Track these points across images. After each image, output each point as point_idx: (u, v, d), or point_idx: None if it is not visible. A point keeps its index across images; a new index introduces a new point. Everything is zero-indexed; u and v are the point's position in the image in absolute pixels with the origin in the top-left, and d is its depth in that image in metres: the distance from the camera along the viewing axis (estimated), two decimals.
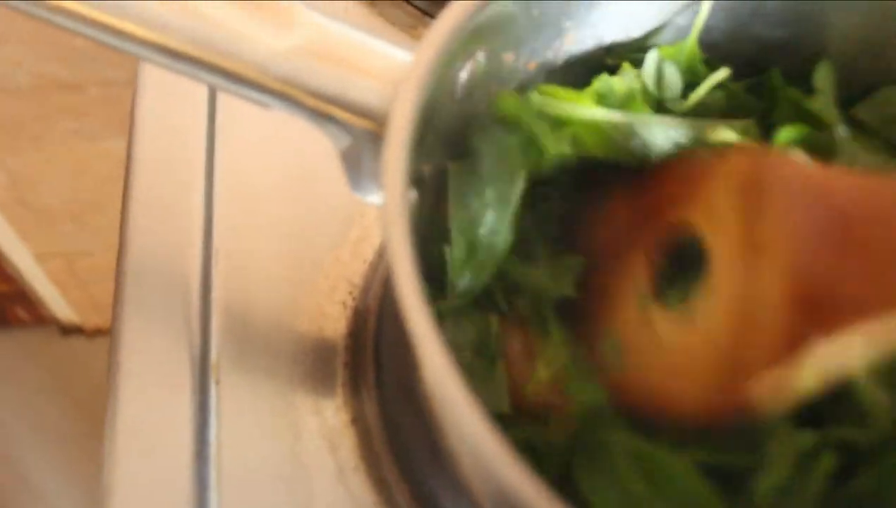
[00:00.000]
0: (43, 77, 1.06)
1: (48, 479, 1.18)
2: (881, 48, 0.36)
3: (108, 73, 1.02)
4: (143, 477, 0.36)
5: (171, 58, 0.31)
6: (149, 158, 0.45)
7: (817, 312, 0.26)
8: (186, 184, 0.44)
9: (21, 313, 1.23)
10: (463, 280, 0.31)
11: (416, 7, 0.54)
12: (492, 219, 0.31)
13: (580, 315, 0.32)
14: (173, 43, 0.30)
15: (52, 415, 1.21)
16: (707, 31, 0.37)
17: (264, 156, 0.46)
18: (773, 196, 0.28)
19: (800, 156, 0.30)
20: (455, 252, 0.31)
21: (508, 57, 0.34)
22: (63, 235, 1.18)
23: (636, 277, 0.32)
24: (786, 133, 0.33)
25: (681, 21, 0.37)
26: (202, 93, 0.48)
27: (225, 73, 0.30)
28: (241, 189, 0.44)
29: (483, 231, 0.31)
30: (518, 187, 0.31)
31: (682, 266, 0.31)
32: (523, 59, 0.36)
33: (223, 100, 0.47)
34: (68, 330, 1.25)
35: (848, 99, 0.36)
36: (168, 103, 0.47)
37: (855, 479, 0.28)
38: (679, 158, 0.32)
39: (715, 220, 0.30)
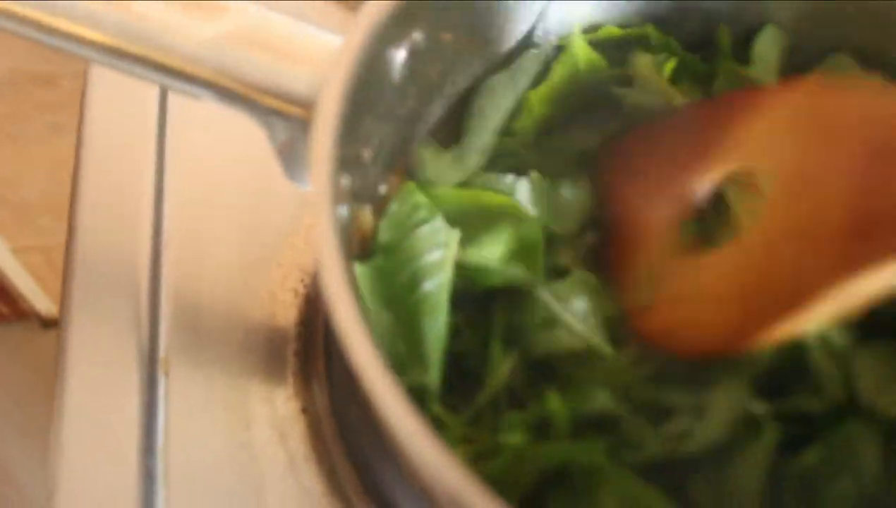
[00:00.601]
0: (17, 72, 1.05)
1: (30, 472, 1.18)
2: (829, 17, 0.36)
3: (80, 65, 1.01)
4: (90, 470, 0.36)
5: (103, 52, 0.30)
6: (99, 149, 0.45)
7: (872, 237, 0.26)
8: (137, 174, 0.44)
9: (1, 307, 1.22)
10: None
11: None
12: None
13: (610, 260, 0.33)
14: (104, 38, 0.30)
15: (34, 409, 1.21)
16: (655, 4, 0.37)
17: (216, 145, 0.45)
18: (826, 125, 0.28)
19: (846, 86, 0.30)
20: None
21: (446, 37, 0.33)
22: (42, 229, 1.17)
23: (674, 213, 0.32)
24: None
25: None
26: (153, 87, 0.48)
27: (154, 65, 0.30)
28: (192, 179, 0.44)
29: None
30: None
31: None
32: (464, 40, 0.35)
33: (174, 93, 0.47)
34: (48, 324, 1.25)
35: (799, 68, 0.36)
36: (119, 94, 0.47)
37: (804, 452, 0.28)
38: (714, 99, 0.32)
39: (769, 153, 0.30)
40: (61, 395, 0.38)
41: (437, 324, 0.29)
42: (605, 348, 0.30)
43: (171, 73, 0.30)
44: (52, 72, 1.03)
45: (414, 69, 0.33)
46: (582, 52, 0.35)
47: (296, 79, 0.29)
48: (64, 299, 0.40)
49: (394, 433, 0.24)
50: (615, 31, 0.37)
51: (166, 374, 0.39)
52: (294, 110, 0.29)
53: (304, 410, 0.38)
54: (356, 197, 0.31)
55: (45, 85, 1.05)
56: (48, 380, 1.16)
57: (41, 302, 1.22)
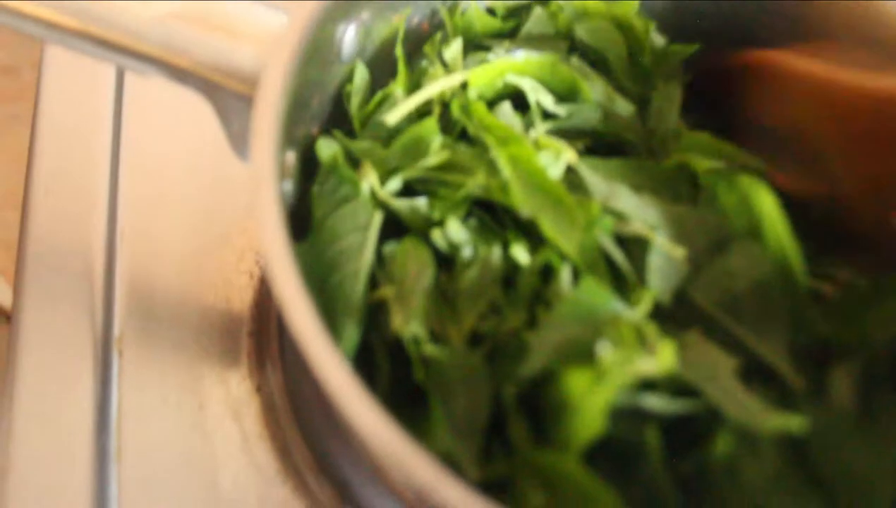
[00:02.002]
0: None
1: None
2: None
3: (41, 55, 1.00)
4: (43, 449, 0.36)
5: (51, 29, 0.30)
6: (53, 138, 0.45)
7: None
8: (91, 159, 0.44)
9: None
10: None
11: None
12: None
13: None
14: (52, 14, 0.30)
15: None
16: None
17: (170, 129, 0.45)
18: None
19: None
20: None
21: (393, 17, 0.34)
22: (4, 222, 1.16)
23: None
24: None
25: None
26: (109, 71, 0.48)
27: (102, 42, 0.30)
28: (146, 163, 0.44)
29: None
30: None
31: None
32: (415, 20, 0.36)
33: (130, 76, 0.47)
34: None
35: None
36: (74, 80, 0.47)
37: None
38: None
39: None
40: (13, 374, 0.38)
41: (350, 312, 0.29)
42: None
43: (119, 50, 0.30)
44: (12, 62, 1.02)
45: (361, 46, 0.33)
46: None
47: (242, 55, 0.29)
48: (17, 281, 0.40)
49: (341, 409, 0.24)
50: None
51: (120, 354, 0.39)
52: (240, 87, 0.30)
53: (259, 390, 0.39)
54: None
55: (5, 75, 1.04)
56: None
57: (5, 296, 1.21)
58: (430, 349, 0.28)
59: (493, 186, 0.31)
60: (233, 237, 0.42)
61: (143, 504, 0.36)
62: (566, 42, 0.36)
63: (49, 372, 0.38)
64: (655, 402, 0.26)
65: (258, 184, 0.25)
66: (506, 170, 0.30)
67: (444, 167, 0.32)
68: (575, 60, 0.35)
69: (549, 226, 0.29)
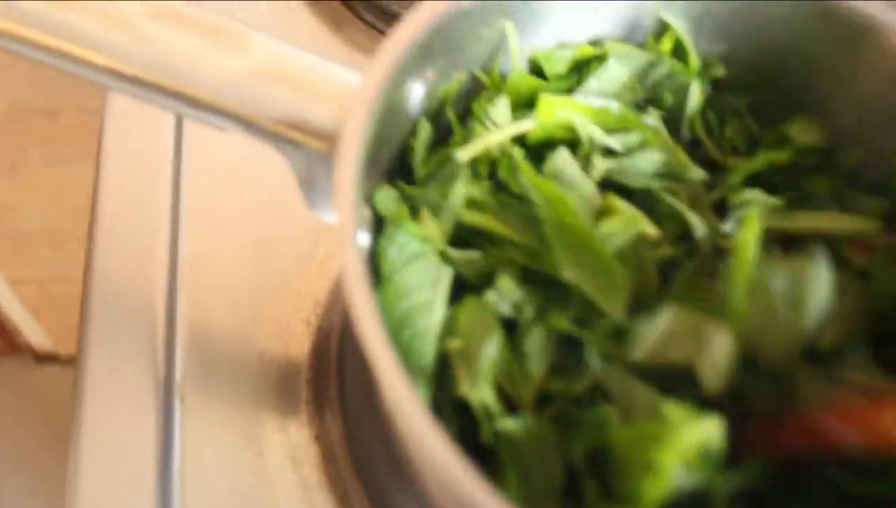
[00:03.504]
0: (16, 104, 1.06)
1: (21, 505, 1.17)
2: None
3: (81, 99, 1.03)
4: (107, 497, 0.37)
5: (130, 83, 0.31)
6: (116, 183, 0.46)
7: None
8: (153, 207, 0.45)
9: None
10: None
11: (379, 32, 0.55)
12: None
13: None
14: (131, 69, 0.31)
15: (27, 444, 1.20)
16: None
17: (231, 177, 0.46)
18: None
19: None
20: None
21: (458, 75, 0.35)
22: (38, 262, 1.17)
23: None
24: None
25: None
26: (169, 118, 0.49)
27: (181, 97, 0.31)
28: (207, 211, 0.45)
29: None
30: None
31: None
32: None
33: (190, 124, 0.48)
34: (42, 358, 1.25)
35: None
36: (135, 129, 0.48)
37: None
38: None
39: None
40: (79, 419, 0.38)
41: (420, 370, 0.29)
42: None
43: (197, 106, 0.31)
44: (53, 105, 1.04)
45: (425, 102, 0.34)
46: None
47: (318, 113, 0.30)
48: (81, 331, 0.41)
49: (431, 463, 0.24)
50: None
51: (182, 400, 0.39)
52: (316, 143, 0.30)
53: (317, 437, 0.39)
54: None
55: (46, 117, 1.06)
56: (40, 414, 1.16)
57: (36, 335, 1.22)
58: (502, 422, 0.28)
59: (533, 248, 0.31)
60: (291, 284, 0.43)
61: None
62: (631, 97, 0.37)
63: (113, 420, 0.39)
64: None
65: (343, 242, 0.26)
66: (549, 234, 0.31)
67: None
68: (651, 118, 0.35)
69: (594, 293, 0.30)
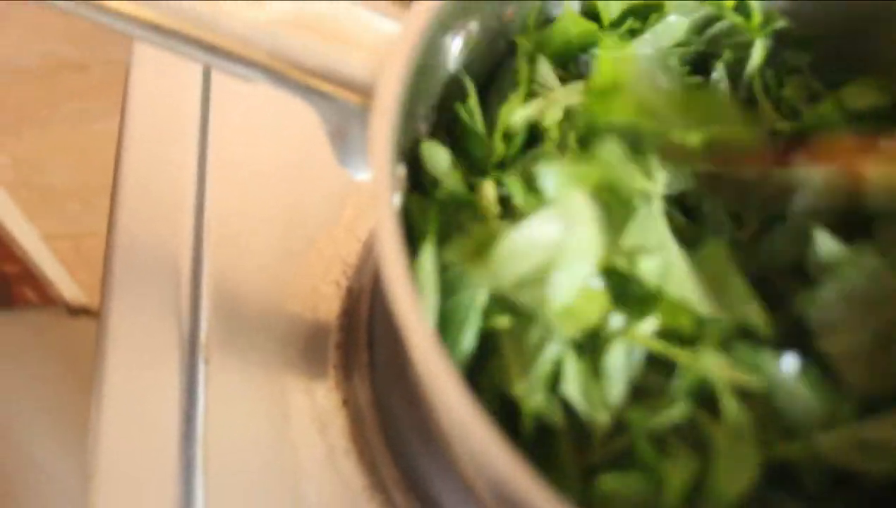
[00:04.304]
0: (48, 58, 1.05)
1: (56, 458, 1.18)
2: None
3: (111, 52, 1.02)
4: (130, 455, 0.36)
5: (157, 32, 0.30)
6: (141, 138, 0.45)
7: None
8: (179, 163, 0.44)
9: (29, 293, 1.23)
10: None
11: None
12: None
13: None
14: (159, 18, 0.29)
15: (60, 395, 1.22)
16: None
17: (258, 136, 0.45)
18: None
19: None
20: None
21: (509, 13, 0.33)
22: (70, 216, 1.18)
23: None
24: None
25: None
26: (196, 73, 0.47)
27: (207, 46, 0.29)
28: (233, 169, 0.44)
29: None
30: None
31: None
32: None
33: (217, 80, 0.47)
34: (76, 311, 1.26)
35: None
36: (162, 83, 0.47)
37: None
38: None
39: None
40: (101, 378, 0.38)
41: (459, 344, 0.27)
42: None
43: (226, 55, 0.29)
44: (84, 58, 1.03)
45: (467, 58, 0.32)
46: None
47: (352, 64, 0.29)
48: (104, 287, 0.40)
49: (451, 424, 0.23)
50: None
51: (207, 361, 0.38)
52: (349, 96, 0.29)
53: (345, 402, 0.38)
54: None
55: (77, 71, 1.05)
56: (74, 367, 1.17)
57: (69, 289, 1.23)
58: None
59: None
60: (320, 245, 0.42)
61: None
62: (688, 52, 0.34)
63: (136, 377, 0.38)
64: None
65: (378, 200, 0.24)
66: None
67: None
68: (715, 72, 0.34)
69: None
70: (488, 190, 0.29)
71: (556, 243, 0.26)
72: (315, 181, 0.43)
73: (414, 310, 0.23)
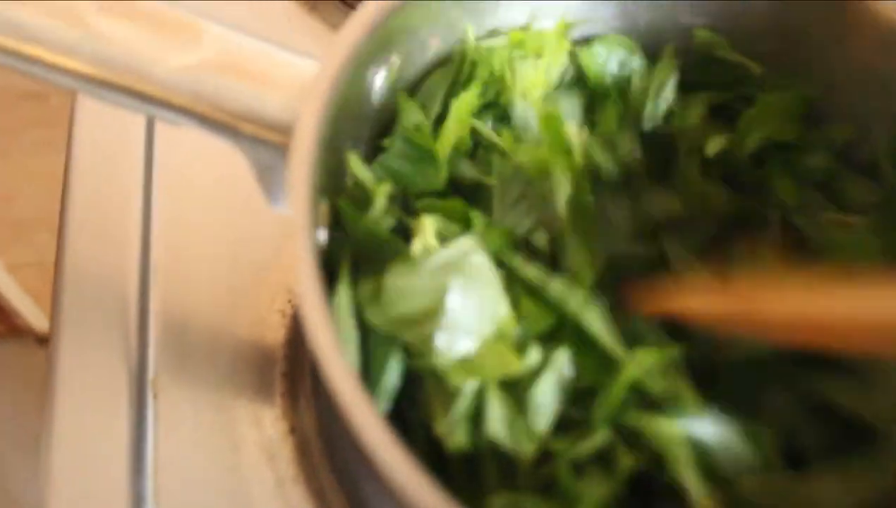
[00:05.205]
0: (6, 89, 1.05)
1: (28, 489, 1.18)
2: None
3: None
4: (80, 491, 0.36)
5: (80, 80, 0.30)
6: (87, 173, 0.45)
7: None
8: (124, 196, 0.44)
9: None
10: None
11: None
12: None
13: None
14: (80, 66, 0.30)
15: (29, 424, 1.21)
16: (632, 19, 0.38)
17: (204, 165, 0.45)
18: None
19: None
20: None
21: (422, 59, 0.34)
22: (36, 245, 1.17)
23: None
24: None
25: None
26: None
27: (131, 93, 0.30)
28: (180, 199, 0.44)
29: None
30: None
31: None
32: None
33: None
34: (44, 341, 1.25)
35: None
36: (106, 116, 0.47)
37: None
38: None
39: None
40: (51, 415, 0.38)
41: (383, 382, 0.27)
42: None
43: (149, 100, 0.30)
44: (41, 88, 1.03)
45: (392, 89, 0.33)
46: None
47: (272, 104, 0.29)
48: (53, 318, 0.40)
49: (373, 459, 0.24)
50: None
51: (156, 396, 0.39)
52: (272, 136, 0.29)
53: (293, 430, 0.38)
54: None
55: (35, 101, 1.05)
56: (43, 396, 1.15)
57: (37, 318, 1.22)
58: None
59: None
60: (265, 275, 0.42)
61: None
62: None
63: (85, 413, 0.38)
64: None
65: (295, 237, 0.25)
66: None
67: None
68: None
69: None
70: (427, 224, 0.30)
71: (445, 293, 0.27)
72: (260, 211, 0.44)
73: (332, 352, 0.24)
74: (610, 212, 0.32)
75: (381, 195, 0.30)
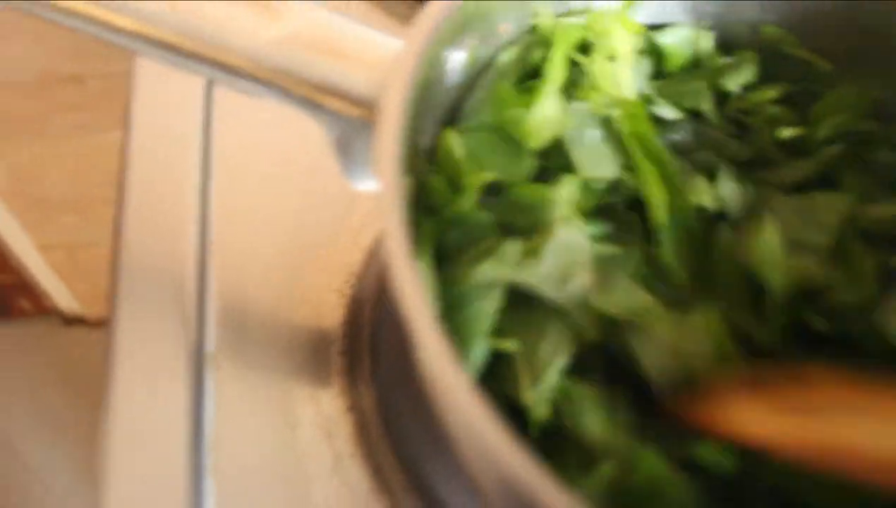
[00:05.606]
0: (45, 71, 1.06)
1: (52, 467, 1.19)
2: None
3: (108, 66, 1.02)
4: (139, 465, 0.37)
5: (166, 50, 0.31)
6: (145, 150, 0.45)
7: None
8: (182, 174, 0.45)
9: (24, 304, 1.23)
10: None
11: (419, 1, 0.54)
12: None
13: None
14: (167, 36, 0.30)
15: (55, 405, 1.22)
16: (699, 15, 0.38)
17: (262, 145, 0.46)
18: None
19: None
20: None
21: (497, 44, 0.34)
22: (65, 227, 1.18)
23: None
24: None
25: None
26: (199, 84, 0.48)
27: (217, 64, 0.30)
28: (237, 179, 0.45)
29: None
30: None
31: None
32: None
33: (220, 92, 0.48)
34: (71, 321, 1.26)
35: None
36: (164, 95, 0.47)
37: None
38: None
39: None
40: (109, 389, 0.38)
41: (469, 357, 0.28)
42: None
43: (234, 72, 0.30)
44: (81, 71, 1.04)
45: (471, 70, 0.33)
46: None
47: (358, 80, 0.29)
48: (112, 300, 0.41)
49: (459, 426, 0.24)
50: None
51: (215, 369, 0.39)
52: (356, 111, 0.30)
53: (350, 409, 0.39)
54: None
55: (72, 84, 1.06)
56: (69, 376, 1.18)
57: (64, 299, 1.23)
58: None
59: None
60: (323, 254, 0.43)
61: None
62: None
63: (145, 387, 0.39)
64: None
65: (386, 212, 0.25)
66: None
67: None
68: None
69: None
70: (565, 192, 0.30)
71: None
72: (319, 190, 0.44)
73: (426, 319, 0.24)
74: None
75: (475, 182, 0.30)
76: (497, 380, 0.28)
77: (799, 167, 0.35)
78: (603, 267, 0.29)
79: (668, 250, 0.30)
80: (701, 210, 0.32)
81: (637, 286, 0.29)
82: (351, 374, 0.39)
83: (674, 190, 0.31)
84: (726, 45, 0.38)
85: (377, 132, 0.27)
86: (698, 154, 0.35)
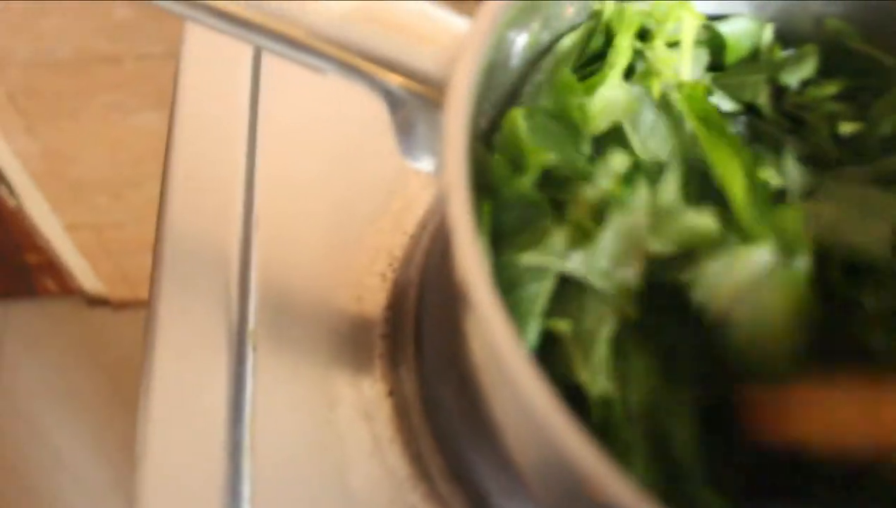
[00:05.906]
0: (82, 51, 1.06)
1: (74, 446, 1.19)
2: None
3: (146, 46, 1.02)
4: (177, 442, 0.37)
5: (230, 23, 0.31)
6: (190, 129, 0.45)
7: None
8: (227, 154, 0.44)
9: (49, 284, 1.24)
10: None
11: None
12: None
13: None
14: (231, 7, 0.30)
15: (78, 384, 1.22)
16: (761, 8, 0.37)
17: (307, 128, 0.46)
18: None
19: None
20: None
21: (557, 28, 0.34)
22: (94, 207, 1.19)
23: None
24: None
25: None
26: (246, 65, 0.48)
27: (281, 38, 0.30)
28: (282, 161, 0.44)
29: None
30: None
31: None
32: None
33: (267, 72, 0.47)
34: (95, 302, 1.27)
35: None
36: (211, 70, 0.47)
37: None
38: None
39: None
40: (150, 365, 0.38)
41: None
42: None
43: (300, 47, 0.30)
44: (118, 52, 1.04)
45: (531, 54, 0.33)
46: None
47: (424, 58, 0.29)
48: (154, 277, 0.41)
49: (510, 403, 0.23)
50: None
51: (255, 348, 0.39)
52: (421, 89, 0.29)
53: (391, 393, 0.38)
54: None
55: (110, 64, 1.06)
56: (92, 356, 1.18)
57: (89, 279, 1.24)
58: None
59: None
60: (366, 236, 0.42)
61: (274, 498, 0.36)
62: None
63: (185, 363, 0.39)
64: None
65: (452, 193, 0.25)
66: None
67: None
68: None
69: None
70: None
71: None
72: (363, 173, 0.44)
73: (488, 295, 0.24)
74: None
75: (538, 162, 0.30)
76: (547, 364, 0.27)
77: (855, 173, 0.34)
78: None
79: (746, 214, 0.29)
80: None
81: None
82: (393, 358, 0.39)
83: (746, 162, 0.30)
84: (787, 38, 0.37)
85: (446, 111, 0.26)
86: (753, 147, 0.35)
